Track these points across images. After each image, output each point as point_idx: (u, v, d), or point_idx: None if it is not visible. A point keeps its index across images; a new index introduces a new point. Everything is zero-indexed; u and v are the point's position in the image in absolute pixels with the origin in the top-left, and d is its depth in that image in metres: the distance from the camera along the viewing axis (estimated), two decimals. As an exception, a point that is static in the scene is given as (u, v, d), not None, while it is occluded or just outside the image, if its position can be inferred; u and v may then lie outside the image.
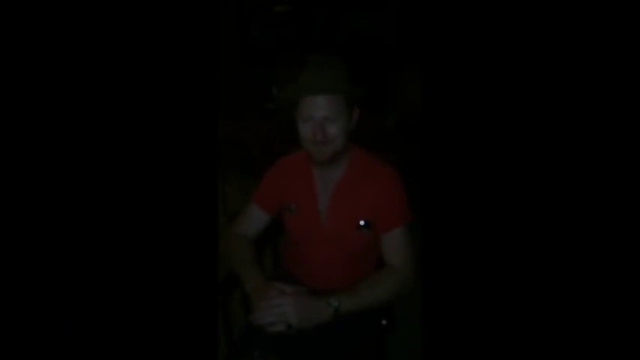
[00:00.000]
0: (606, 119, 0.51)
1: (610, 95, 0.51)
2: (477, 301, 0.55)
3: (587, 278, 0.52)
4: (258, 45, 4.63)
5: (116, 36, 0.54)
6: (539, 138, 0.53)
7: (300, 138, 1.03)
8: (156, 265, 0.56)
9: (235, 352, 1.06)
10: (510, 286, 0.54)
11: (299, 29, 4.43)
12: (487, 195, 0.55)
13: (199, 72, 0.58)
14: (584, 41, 0.51)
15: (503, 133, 0.54)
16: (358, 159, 1.11)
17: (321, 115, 0.96)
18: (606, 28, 0.50)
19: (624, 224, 0.51)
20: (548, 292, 0.53)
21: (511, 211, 0.54)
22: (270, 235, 1.31)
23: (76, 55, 0.53)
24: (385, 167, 1.10)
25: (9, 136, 0.51)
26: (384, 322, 1.01)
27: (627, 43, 0.50)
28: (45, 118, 0.53)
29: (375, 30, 4.03)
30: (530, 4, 0.53)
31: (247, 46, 4.59)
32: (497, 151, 0.55)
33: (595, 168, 0.51)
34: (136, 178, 0.55)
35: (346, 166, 1.10)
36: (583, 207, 0.52)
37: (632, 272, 0.50)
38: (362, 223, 1.07)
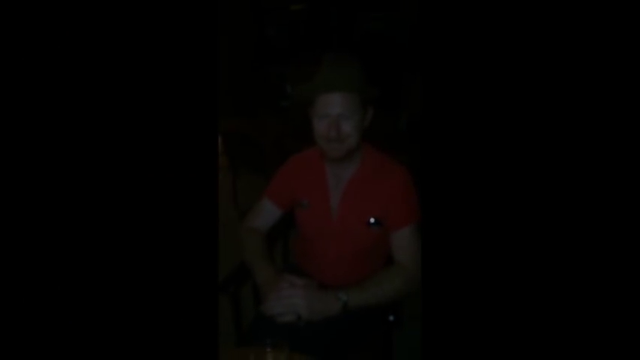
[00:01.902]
0: (608, 125, 0.51)
1: (610, 100, 0.51)
2: (478, 302, 0.55)
3: (587, 277, 0.52)
4: (272, 43, 4.65)
5: (116, 37, 0.54)
6: (542, 140, 0.53)
7: (315, 135, 1.04)
8: (155, 263, 0.55)
9: (246, 342, 1.08)
10: (511, 288, 0.54)
11: (314, 28, 4.44)
12: (487, 196, 0.55)
13: (199, 70, 0.57)
14: (589, 47, 0.51)
15: (504, 136, 0.54)
16: (370, 157, 1.13)
17: (336, 113, 0.98)
18: (608, 33, 0.50)
19: (624, 225, 0.51)
20: (550, 291, 0.53)
21: (512, 212, 0.54)
22: (280, 231, 1.33)
23: (76, 49, 0.53)
24: (397, 166, 1.11)
25: (8, 136, 0.51)
26: (391, 318, 1.02)
27: (627, 44, 0.50)
28: (49, 115, 0.53)
29: (389, 30, 4.02)
30: (538, 8, 0.53)
31: (262, 44, 4.61)
32: (498, 154, 0.55)
33: (596, 173, 0.51)
34: (135, 177, 0.55)
35: (359, 164, 1.11)
36: (584, 208, 0.52)
37: (632, 273, 0.50)
38: (372, 220, 1.08)
